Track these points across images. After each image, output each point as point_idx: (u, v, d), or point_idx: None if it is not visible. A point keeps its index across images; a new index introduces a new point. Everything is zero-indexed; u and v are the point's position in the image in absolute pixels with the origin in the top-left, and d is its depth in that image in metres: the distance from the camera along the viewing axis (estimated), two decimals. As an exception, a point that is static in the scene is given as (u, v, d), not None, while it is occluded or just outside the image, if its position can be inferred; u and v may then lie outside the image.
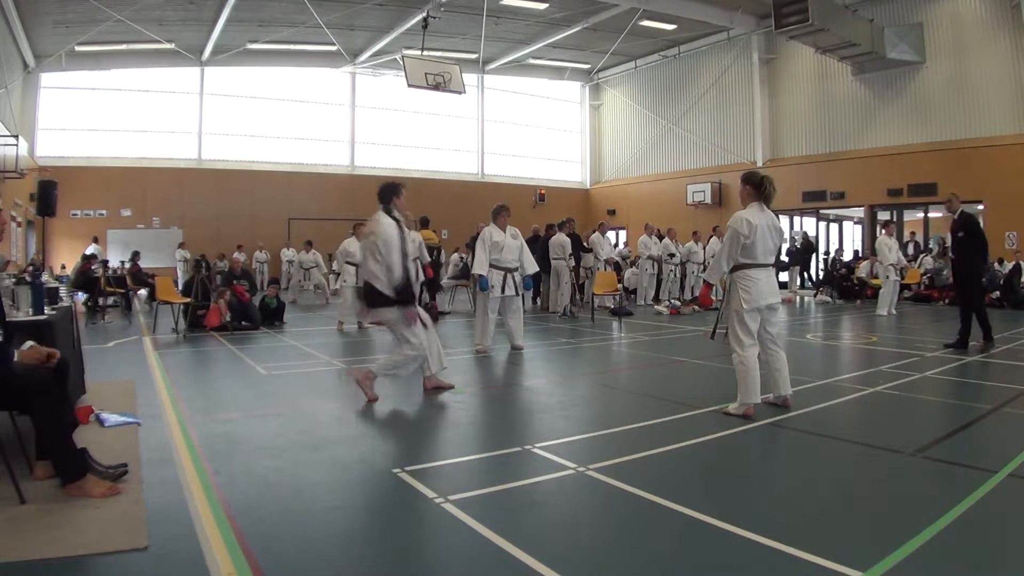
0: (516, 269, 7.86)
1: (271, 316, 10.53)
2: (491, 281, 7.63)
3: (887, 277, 12.58)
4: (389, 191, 5.09)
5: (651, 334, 9.59)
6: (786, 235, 19.60)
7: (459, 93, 17.63)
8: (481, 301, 7.92)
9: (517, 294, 7.97)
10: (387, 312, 4.92)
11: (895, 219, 18.87)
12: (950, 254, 8.66)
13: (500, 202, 8.12)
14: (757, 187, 4.73)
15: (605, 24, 19.54)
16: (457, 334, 9.84)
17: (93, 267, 12.93)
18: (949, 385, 5.95)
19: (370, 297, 4.94)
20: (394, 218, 4.98)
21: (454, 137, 25.09)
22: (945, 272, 16.33)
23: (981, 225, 7.90)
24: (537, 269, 8.31)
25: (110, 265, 15.78)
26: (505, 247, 7.72)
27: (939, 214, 18.53)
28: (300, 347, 8.30)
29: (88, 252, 15.12)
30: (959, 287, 7.94)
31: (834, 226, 21.20)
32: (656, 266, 14.72)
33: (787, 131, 20.44)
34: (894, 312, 12.34)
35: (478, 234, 12.93)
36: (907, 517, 2.84)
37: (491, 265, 7.66)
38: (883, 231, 13.60)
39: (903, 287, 16.19)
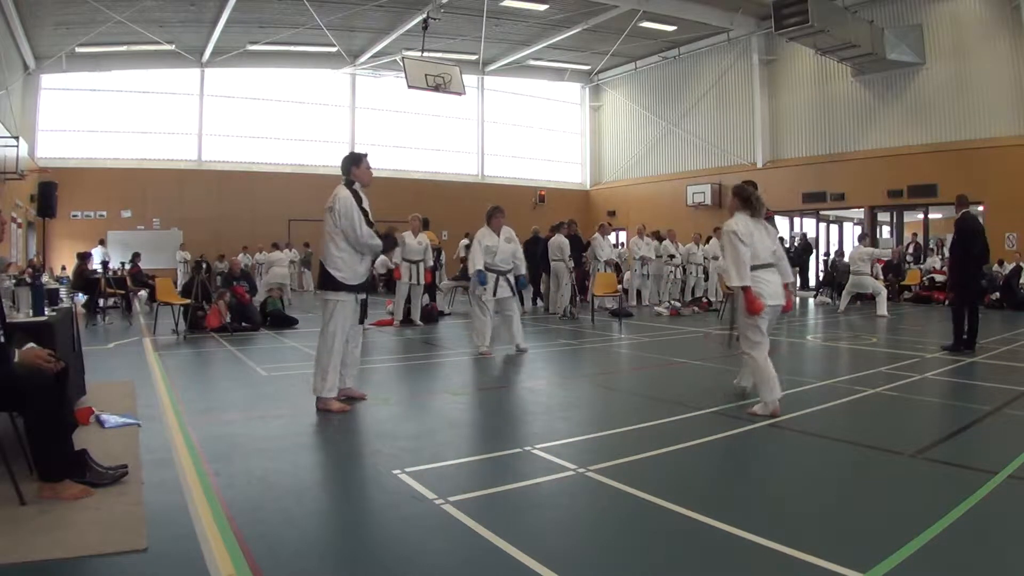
0: (510, 271, 7.88)
1: (277, 324, 10.27)
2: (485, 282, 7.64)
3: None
4: None
5: (651, 335, 9.58)
6: (785, 236, 19.72)
7: (459, 94, 17.62)
8: (475, 303, 7.91)
9: (513, 295, 8.01)
10: None
11: (894, 220, 18.89)
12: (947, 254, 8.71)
13: (494, 204, 8.09)
14: (745, 200, 4.82)
15: (605, 25, 19.54)
16: (457, 335, 9.84)
17: (92, 267, 12.93)
18: (949, 386, 5.94)
19: None
20: None
21: (454, 138, 25.09)
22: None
23: (980, 227, 7.76)
24: (524, 272, 8.25)
25: (110, 267, 15.78)
26: (498, 250, 7.72)
27: (939, 215, 18.54)
28: (300, 348, 8.29)
29: (91, 253, 15.07)
30: (952, 288, 7.98)
31: (834, 227, 21.18)
32: (644, 266, 14.68)
33: (787, 132, 20.44)
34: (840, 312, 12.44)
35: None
36: (907, 518, 2.84)
37: (486, 268, 7.67)
38: (859, 242, 13.69)
39: (903, 288, 16.23)
